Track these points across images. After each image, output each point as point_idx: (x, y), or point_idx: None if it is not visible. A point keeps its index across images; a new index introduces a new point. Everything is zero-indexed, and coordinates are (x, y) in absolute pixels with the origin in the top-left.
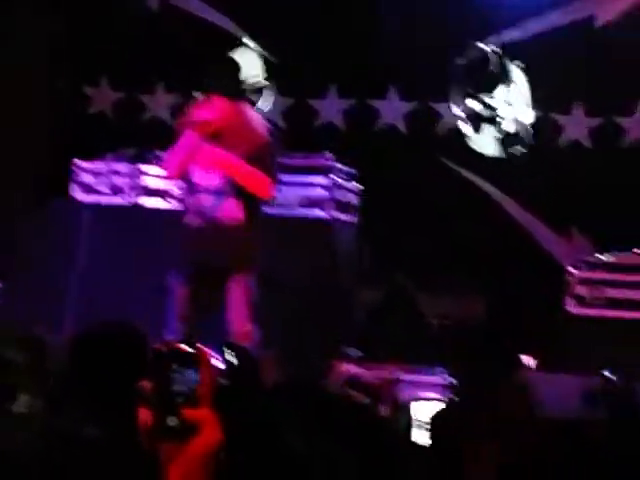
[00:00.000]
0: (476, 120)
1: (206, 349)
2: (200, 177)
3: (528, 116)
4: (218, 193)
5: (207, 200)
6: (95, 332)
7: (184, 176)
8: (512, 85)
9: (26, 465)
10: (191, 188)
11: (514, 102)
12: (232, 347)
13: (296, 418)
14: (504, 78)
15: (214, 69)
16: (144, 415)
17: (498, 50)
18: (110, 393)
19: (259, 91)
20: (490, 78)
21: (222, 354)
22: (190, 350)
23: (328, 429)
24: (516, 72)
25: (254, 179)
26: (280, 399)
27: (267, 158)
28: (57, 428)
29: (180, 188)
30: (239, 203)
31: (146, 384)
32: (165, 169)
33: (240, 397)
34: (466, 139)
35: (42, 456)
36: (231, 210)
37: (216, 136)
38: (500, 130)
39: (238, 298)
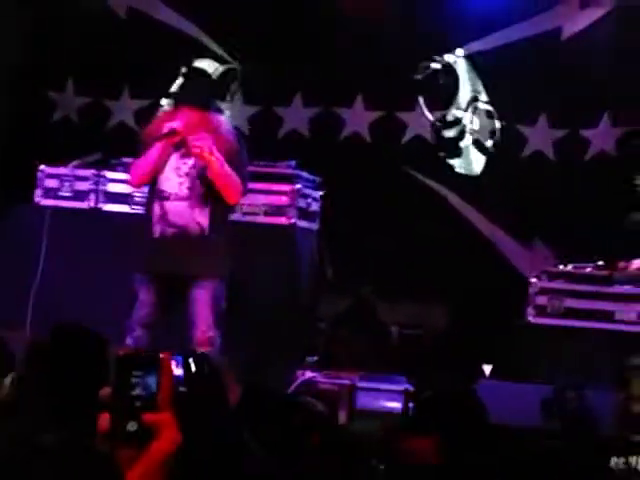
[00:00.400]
0: (440, 130)
1: (166, 354)
2: (166, 185)
3: (492, 127)
4: (183, 201)
5: (172, 208)
6: (55, 336)
7: (149, 182)
8: (477, 96)
9: None
10: (156, 195)
11: (479, 113)
12: (192, 354)
13: (257, 424)
14: (470, 89)
15: (184, 80)
16: (103, 421)
17: (464, 61)
18: (69, 398)
19: (227, 98)
20: (455, 89)
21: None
22: (150, 355)
23: (288, 435)
24: (481, 83)
25: (230, 182)
26: (241, 406)
27: (238, 166)
28: (14, 434)
29: (143, 194)
30: (204, 210)
31: (106, 390)
32: (131, 178)
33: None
34: (431, 149)
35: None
36: (197, 218)
37: (184, 145)
38: (465, 140)
39: (203, 304)
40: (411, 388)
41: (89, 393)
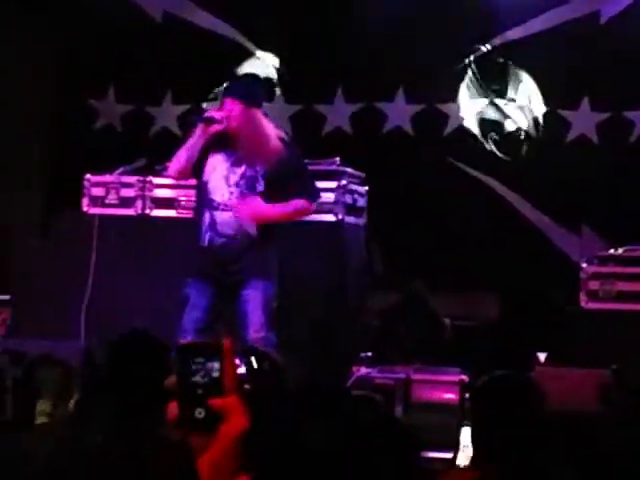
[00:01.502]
0: (484, 120)
1: (227, 340)
2: (216, 194)
3: (536, 114)
4: (233, 208)
5: (221, 218)
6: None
7: (186, 176)
8: (519, 84)
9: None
10: (206, 204)
11: (521, 101)
12: (255, 352)
13: (318, 420)
14: (510, 77)
15: (235, 74)
16: (172, 409)
17: (504, 49)
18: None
19: (269, 98)
20: (497, 78)
21: (244, 359)
22: (211, 342)
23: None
24: (522, 70)
25: (297, 212)
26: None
27: (299, 174)
28: (83, 441)
29: (189, 198)
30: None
31: (171, 379)
32: (169, 170)
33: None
34: (475, 139)
35: (64, 470)
36: (246, 228)
37: (229, 138)
38: (508, 129)
39: (254, 305)
40: (467, 379)
41: (154, 400)
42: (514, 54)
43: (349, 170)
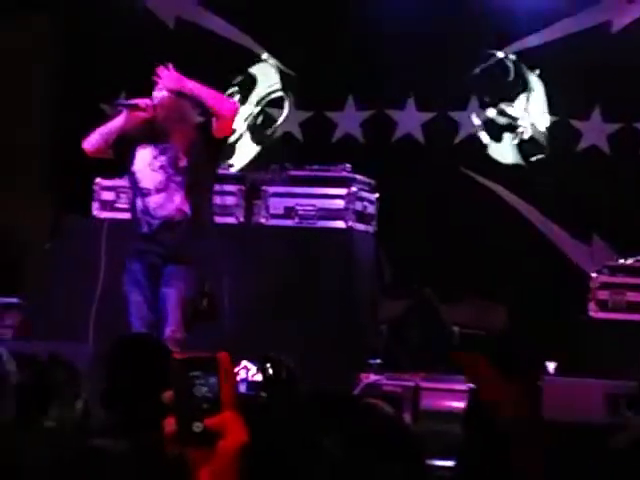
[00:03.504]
0: (494, 128)
1: (224, 354)
2: (144, 182)
3: (545, 123)
4: (162, 192)
5: (153, 201)
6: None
7: (98, 153)
8: (530, 92)
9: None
10: (138, 193)
11: (532, 109)
12: (271, 360)
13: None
14: (521, 86)
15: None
16: (169, 424)
17: (515, 58)
18: (135, 408)
19: (279, 104)
20: (507, 86)
21: (261, 367)
22: (208, 356)
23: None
24: (533, 79)
25: (212, 93)
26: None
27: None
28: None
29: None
30: (185, 197)
31: (168, 394)
32: (85, 140)
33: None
34: (485, 148)
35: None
36: (178, 205)
37: (156, 132)
38: (519, 137)
39: (174, 304)
40: (475, 387)
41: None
42: (526, 63)
43: (359, 177)
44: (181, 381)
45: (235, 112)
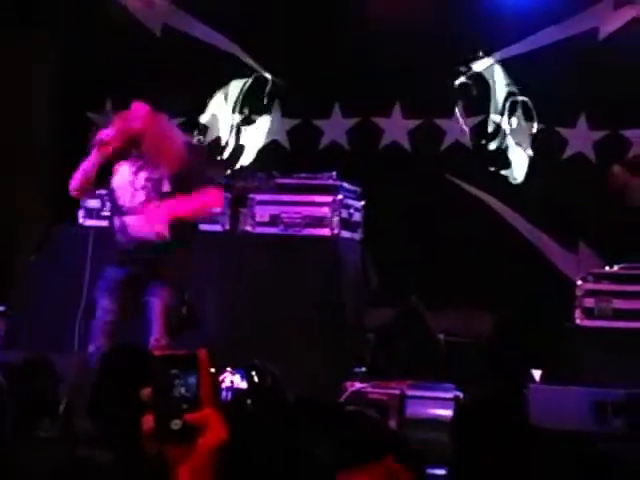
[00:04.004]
0: (480, 136)
1: (203, 351)
2: (123, 199)
3: (531, 130)
4: (141, 214)
5: (130, 222)
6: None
7: (86, 192)
8: (514, 99)
9: None
10: (116, 210)
11: (516, 117)
12: (256, 368)
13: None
14: (505, 94)
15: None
16: (148, 421)
17: (499, 66)
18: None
19: (265, 112)
20: (493, 93)
21: (246, 374)
22: (187, 353)
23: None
24: (517, 87)
25: (207, 202)
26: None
27: (200, 176)
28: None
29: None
30: (164, 222)
31: (146, 390)
32: (70, 186)
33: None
34: (471, 155)
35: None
36: (155, 228)
37: (134, 146)
38: (504, 144)
39: (157, 313)
40: (461, 395)
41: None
42: (512, 70)
43: (345, 185)
44: (160, 378)
45: (222, 199)
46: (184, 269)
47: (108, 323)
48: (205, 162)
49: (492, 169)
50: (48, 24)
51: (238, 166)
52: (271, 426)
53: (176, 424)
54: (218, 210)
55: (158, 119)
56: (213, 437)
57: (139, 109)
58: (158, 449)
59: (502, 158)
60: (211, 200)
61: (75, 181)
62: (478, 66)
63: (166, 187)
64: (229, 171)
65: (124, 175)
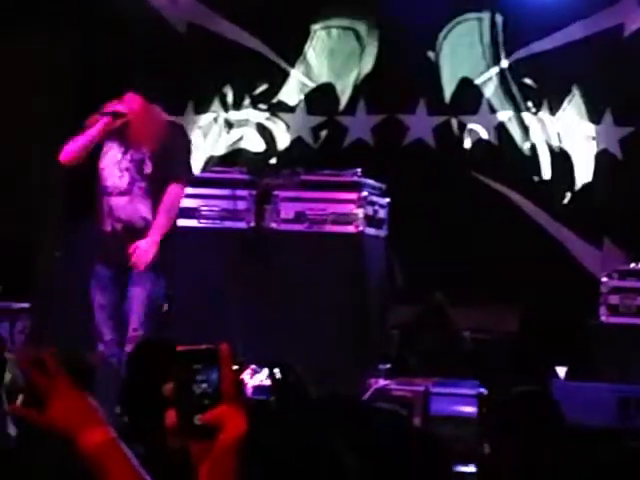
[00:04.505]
0: (505, 133)
1: (225, 345)
2: (108, 180)
3: (560, 127)
4: (125, 195)
5: (115, 203)
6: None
7: (76, 161)
8: (541, 96)
9: None
10: (102, 191)
11: (542, 114)
12: (279, 365)
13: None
14: (531, 90)
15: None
16: (170, 417)
17: (528, 62)
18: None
19: (291, 109)
20: (517, 91)
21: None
22: (209, 348)
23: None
24: (543, 84)
25: (175, 203)
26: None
27: (176, 155)
28: None
29: (209, 207)
30: (147, 203)
31: (169, 386)
32: (61, 154)
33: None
34: (496, 152)
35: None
36: (140, 211)
37: (123, 129)
38: (529, 141)
39: (137, 303)
40: (485, 392)
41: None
42: (538, 67)
43: (370, 182)
44: (183, 374)
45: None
46: (168, 264)
47: (109, 319)
48: (187, 142)
49: (518, 167)
50: (70, 19)
51: (263, 163)
52: (293, 424)
53: (199, 420)
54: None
55: (151, 109)
56: (232, 433)
57: (133, 101)
58: (181, 444)
59: (528, 156)
60: (176, 198)
61: (74, 148)
62: (503, 63)
63: (148, 168)
64: (254, 168)
65: (111, 156)
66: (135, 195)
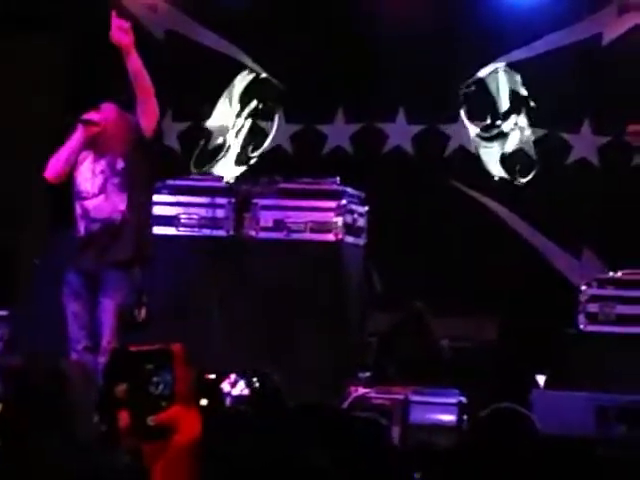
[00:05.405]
0: (483, 141)
1: (178, 346)
2: (83, 185)
3: (534, 136)
4: (100, 195)
5: (92, 205)
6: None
7: (62, 178)
8: (519, 105)
9: None
10: (76, 196)
11: (521, 122)
12: (256, 373)
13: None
14: (511, 99)
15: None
16: (123, 417)
17: (505, 70)
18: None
19: (269, 117)
20: (497, 99)
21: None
22: (162, 348)
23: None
24: (522, 92)
25: (147, 85)
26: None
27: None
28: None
29: (189, 215)
30: (123, 197)
31: (122, 387)
32: (46, 172)
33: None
34: (475, 160)
35: None
36: (117, 206)
37: (96, 136)
38: (507, 150)
39: (109, 315)
40: (465, 401)
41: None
42: (516, 75)
43: (349, 190)
44: (135, 375)
45: (157, 112)
46: (143, 266)
47: (81, 328)
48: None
49: (497, 174)
50: (50, 27)
51: (241, 171)
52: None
53: (152, 420)
54: (151, 109)
55: (125, 118)
56: (186, 434)
57: (109, 110)
58: (135, 445)
59: (506, 163)
60: (153, 95)
61: (57, 164)
62: (482, 71)
63: (120, 164)
64: (233, 176)
65: (85, 162)
66: (110, 192)
